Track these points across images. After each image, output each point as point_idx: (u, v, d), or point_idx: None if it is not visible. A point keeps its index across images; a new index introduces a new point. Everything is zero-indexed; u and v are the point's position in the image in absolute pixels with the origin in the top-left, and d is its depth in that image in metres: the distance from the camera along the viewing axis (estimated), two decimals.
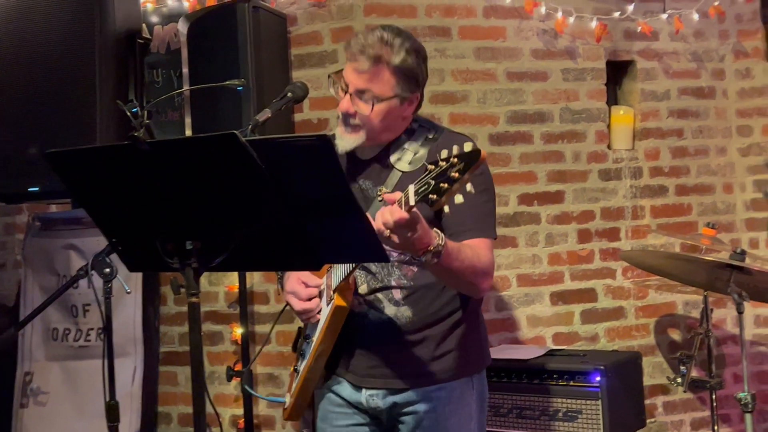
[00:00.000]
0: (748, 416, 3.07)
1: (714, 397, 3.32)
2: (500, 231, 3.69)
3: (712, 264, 3.15)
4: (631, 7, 3.82)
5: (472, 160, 1.89)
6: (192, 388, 1.94)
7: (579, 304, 3.80)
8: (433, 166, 1.92)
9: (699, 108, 4.02)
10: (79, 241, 3.75)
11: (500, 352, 3.44)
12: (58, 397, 3.79)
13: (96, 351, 3.59)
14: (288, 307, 2.57)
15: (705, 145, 4.03)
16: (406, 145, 2.42)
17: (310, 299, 2.46)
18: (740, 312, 3.09)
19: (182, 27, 3.30)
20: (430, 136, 2.42)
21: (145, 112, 2.52)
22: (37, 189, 3.20)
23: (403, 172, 2.36)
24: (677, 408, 3.89)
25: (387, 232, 1.99)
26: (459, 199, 1.93)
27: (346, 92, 2.37)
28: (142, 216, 1.93)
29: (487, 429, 3.17)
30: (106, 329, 2.78)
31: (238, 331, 3.59)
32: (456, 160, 1.89)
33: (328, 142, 1.79)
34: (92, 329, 3.75)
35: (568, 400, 3.10)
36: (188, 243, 1.86)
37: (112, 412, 2.79)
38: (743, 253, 3.12)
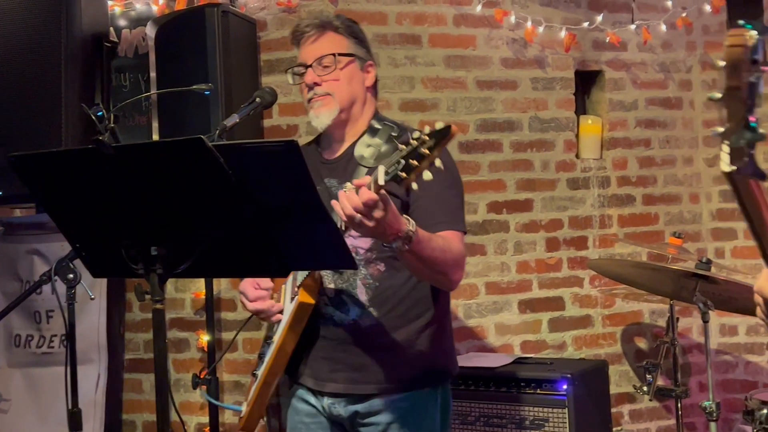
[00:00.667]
0: (713, 425, 3.09)
1: (679, 405, 3.35)
2: (469, 239, 3.70)
3: (679, 273, 3.18)
4: (599, 18, 3.85)
5: (442, 136, 1.89)
6: (157, 395, 1.91)
7: (547, 312, 3.81)
8: (404, 146, 1.92)
9: (666, 118, 4.06)
10: (43, 246, 3.70)
11: (468, 360, 3.44)
12: (20, 404, 3.73)
13: (59, 358, 3.53)
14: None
15: (672, 155, 4.07)
16: (369, 142, 2.40)
17: (259, 300, 2.42)
18: (705, 321, 3.11)
19: (150, 31, 3.27)
20: (394, 134, 2.40)
21: (111, 116, 2.49)
22: (0, 193, 3.15)
23: (368, 167, 2.34)
24: (643, 416, 3.91)
25: (358, 217, 1.95)
26: (427, 175, 1.91)
27: (306, 69, 2.40)
28: (106, 221, 1.90)
29: None
30: (70, 336, 2.74)
31: (205, 338, 3.55)
32: (427, 137, 1.90)
33: (295, 147, 1.77)
34: (56, 336, 3.70)
35: (536, 408, 3.11)
36: (153, 249, 1.84)
37: (75, 420, 2.74)
38: (709, 262, 3.15)
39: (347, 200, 1.96)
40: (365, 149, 2.37)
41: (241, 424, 2.57)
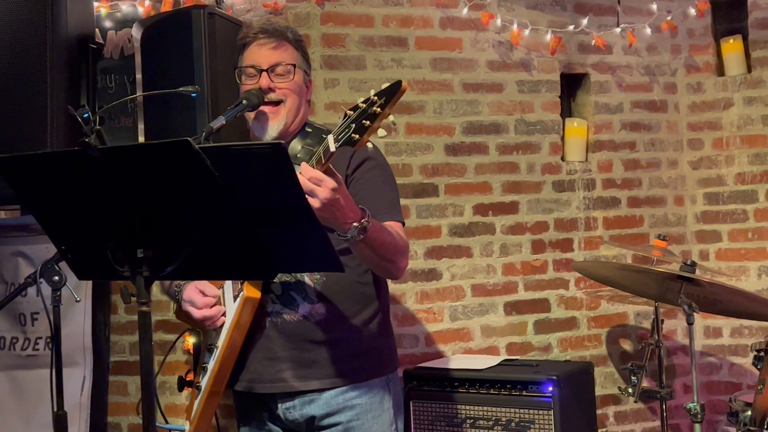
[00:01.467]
0: (697, 426, 3.11)
1: (664, 407, 3.36)
2: (455, 241, 3.72)
3: (663, 275, 3.20)
4: (585, 21, 3.87)
5: (392, 92, 1.93)
6: (142, 398, 1.91)
7: (532, 314, 3.82)
8: (352, 112, 1.95)
9: (651, 121, 4.08)
10: (28, 248, 3.68)
11: (454, 362, 3.45)
12: (4, 407, 3.70)
13: (44, 360, 3.51)
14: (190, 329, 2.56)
15: (657, 158, 4.09)
16: (302, 143, 2.46)
17: (207, 308, 2.43)
18: (690, 323, 3.13)
19: (136, 32, 3.26)
20: (324, 135, 2.47)
21: (97, 118, 2.49)
22: None
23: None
24: (628, 418, 3.93)
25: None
26: (381, 132, 1.95)
27: (260, 73, 2.44)
28: (92, 223, 1.90)
29: None
30: (55, 338, 2.72)
31: (191, 340, 3.53)
32: (376, 97, 1.93)
33: (282, 149, 1.77)
34: (41, 338, 3.68)
35: (521, 410, 3.12)
36: (139, 251, 1.83)
37: (60, 423, 2.72)
38: (693, 264, 3.17)
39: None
40: (299, 149, 2.42)
41: None
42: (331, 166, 2.03)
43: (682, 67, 4.13)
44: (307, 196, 1.96)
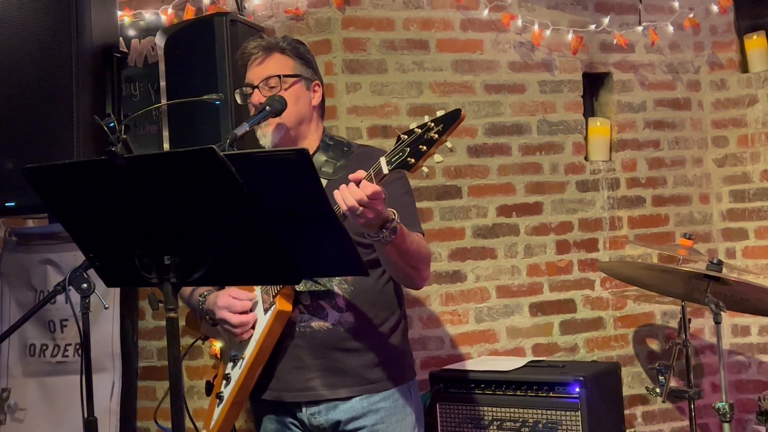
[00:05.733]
0: (726, 426, 3.08)
1: (693, 406, 3.34)
2: (479, 242, 3.72)
3: (690, 275, 3.18)
4: (606, 20, 3.85)
5: (452, 120, 1.95)
6: (171, 403, 1.93)
7: (558, 315, 3.81)
8: (406, 136, 1.96)
9: (675, 119, 4.06)
10: (56, 256, 3.72)
11: (480, 363, 3.45)
12: (35, 413, 3.75)
13: (74, 366, 3.55)
14: (201, 338, 2.58)
15: (681, 156, 4.06)
16: (325, 158, 2.50)
17: (244, 312, 2.45)
18: (717, 322, 3.11)
19: (159, 40, 3.29)
20: (346, 149, 2.53)
21: (123, 127, 2.51)
22: (13, 204, 3.16)
23: (329, 180, 2.41)
24: (656, 418, 3.91)
25: (360, 209, 2.01)
26: (438, 158, 1.98)
27: (253, 89, 2.48)
28: (119, 231, 1.92)
29: None
30: (84, 345, 2.75)
31: (217, 345, 3.56)
32: (433, 124, 1.95)
33: (306, 155, 1.79)
34: (70, 345, 3.72)
35: (548, 412, 3.11)
36: (166, 258, 1.85)
37: (91, 429, 2.75)
38: (720, 263, 3.15)
39: (350, 192, 2.02)
40: (322, 161, 2.47)
41: None
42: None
43: (705, 64, 4.11)
44: (362, 208, 2.01)
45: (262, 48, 2.51)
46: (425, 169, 2.00)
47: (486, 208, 3.73)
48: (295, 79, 2.51)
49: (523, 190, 3.79)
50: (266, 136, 2.46)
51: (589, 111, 4.02)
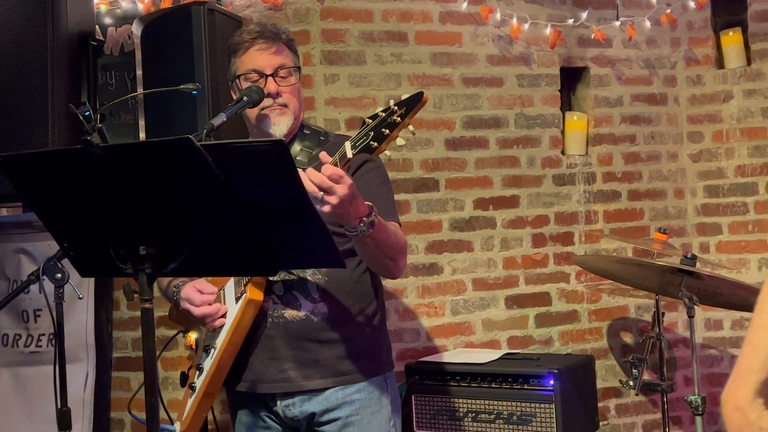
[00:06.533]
0: (698, 419, 3.12)
1: (665, 399, 3.37)
2: (456, 235, 3.73)
3: (664, 269, 3.20)
4: (584, 15, 3.87)
5: (414, 103, 1.97)
6: (145, 394, 1.92)
7: (533, 308, 3.83)
8: (371, 120, 1.98)
9: (651, 114, 4.08)
10: (30, 245, 3.69)
11: (456, 356, 3.46)
12: (8, 403, 3.72)
13: (47, 357, 3.52)
14: (182, 330, 2.57)
15: (657, 151, 4.09)
16: (300, 147, 2.50)
17: (205, 305, 2.44)
18: (691, 316, 3.14)
19: (136, 29, 3.26)
20: (322, 138, 2.53)
21: (98, 116, 2.49)
22: None
23: (304, 169, 2.39)
24: (629, 411, 3.94)
25: (320, 193, 2.01)
26: (400, 141, 2.00)
27: (264, 78, 2.45)
28: (94, 221, 1.91)
29: None
30: (58, 335, 2.73)
31: (192, 336, 3.54)
32: (396, 107, 1.98)
33: (283, 146, 1.78)
34: (43, 335, 3.69)
35: (523, 404, 3.13)
36: (141, 248, 1.84)
37: (64, 419, 2.74)
38: (694, 257, 3.18)
39: (310, 176, 2.02)
40: (297, 151, 2.47)
41: None
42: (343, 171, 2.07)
43: (681, 60, 4.13)
44: (324, 193, 2.00)
45: (272, 38, 2.49)
46: (388, 153, 2.04)
47: (463, 201, 3.74)
48: (298, 72, 2.52)
49: (500, 184, 3.80)
50: (278, 125, 2.45)
51: (567, 105, 4.04)
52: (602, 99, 4.01)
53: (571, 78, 4.04)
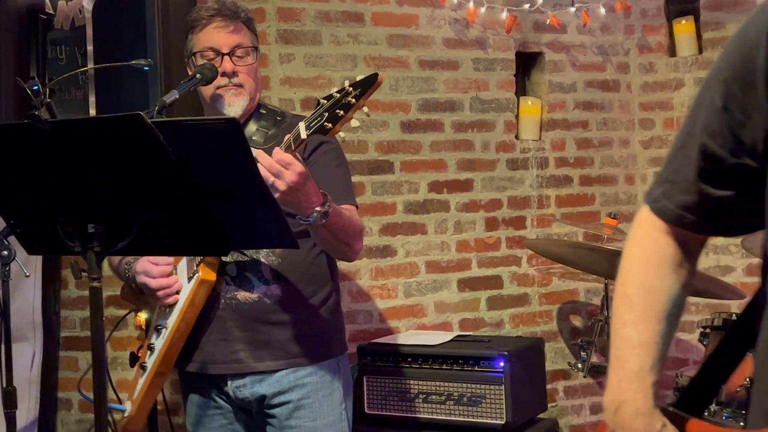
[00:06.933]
0: None
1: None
2: (410, 218, 3.74)
3: (613, 253, 3.25)
4: (540, 0, 3.89)
5: (369, 84, 1.96)
6: (93, 374, 1.90)
7: (485, 290, 3.86)
8: (325, 101, 1.97)
9: (604, 101, 4.13)
10: None
11: (408, 338, 3.48)
12: None
13: None
14: (135, 310, 2.55)
15: (609, 137, 4.14)
16: (256, 127, 2.47)
17: (163, 276, 2.40)
18: None
19: (87, 3, 3.20)
20: (279, 118, 2.50)
21: (47, 90, 2.44)
22: None
23: (259, 148, 2.37)
24: (577, 392, 4.00)
25: (271, 179, 2.00)
26: (355, 123, 2.00)
27: (220, 56, 2.41)
28: (42, 197, 1.87)
29: (394, 414, 3.23)
30: (4, 313, 2.69)
31: (142, 316, 3.51)
32: (351, 88, 1.96)
33: (236, 124, 1.77)
34: None
35: (473, 385, 3.16)
36: (90, 226, 1.81)
37: (10, 399, 2.70)
38: None
39: (260, 159, 2.00)
40: (254, 131, 2.44)
41: (125, 425, 2.49)
42: (297, 154, 2.05)
43: (635, 47, 4.18)
44: (273, 178, 1.98)
45: (230, 16, 2.45)
46: (342, 134, 2.03)
47: (417, 183, 3.75)
48: (256, 52, 2.49)
49: (454, 167, 3.82)
50: (233, 105, 2.41)
51: (521, 90, 4.06)
52: (556, 84, 4.04)
53: (526, 63, 4.06)
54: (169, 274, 2.41)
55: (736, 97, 1.17)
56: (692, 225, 1.30)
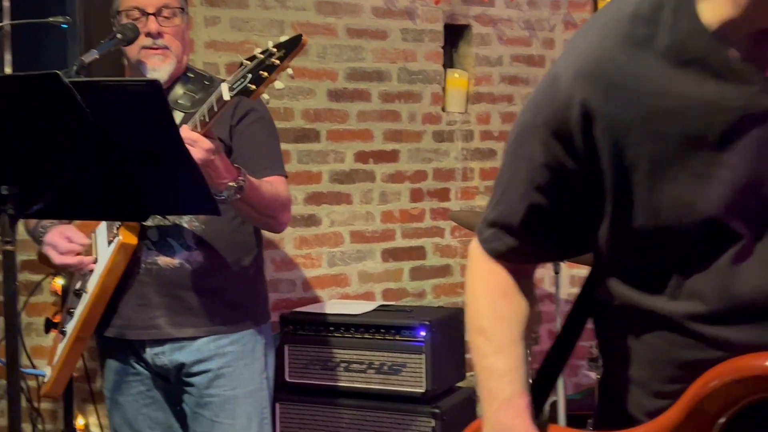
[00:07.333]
0: None
1: (529, 352, 3.48)
2: (335, 188, 3.73)
3: None
4: None
5: (293, 46, 1.96)
6: (6, 339, 1.85)
7: (409, 261, 3.89)
8: (249, 62, 1.95)
9: (529, 75, 4.17)
10: None
11: (330, 307, 3.49)
12: None
13: None
14: (53, 273, 2.50)
15: None
16: (183, 90, 2.43)
17: (70, 254, 2.36)
18: (557, 272, 3.26)
19: None
20: (207, 83, 2.46)
21: None
22: None
23: (185, 113, 2.35)
24: None
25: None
26: (279, 85, 1.97)
27: (145, 16, 2.35)
28: None
29: (315, 383, 3.24)
30: None
31: (59, 281, 3.44)
32: (275, 49, 1.95)
33: (159, 87, 1.74)
34: None
35: (394, 354, 3.18)
36: (3, 188, 1.76)
37: None
38: None
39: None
40: (180, 94, 2.39)
41: (45, 390, 2.47)
42: (211, 129, 2.04)
43: (560, 23, 4.23)
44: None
45: None
46: (266, 96, 2.01)
47: (344, 153, 3.74)
48: (183, 13, 2.43)
49: (381, 138, 3.82)
50: (158, 70, 2.35)
51: (449, 62, 4.08)
52: (483, 58, 4.06)
53: (454, 35, 4.07)
54: (88, 250, 2.36)
55: (555, 153, 1.21)
56: (524, 260, 1.38)
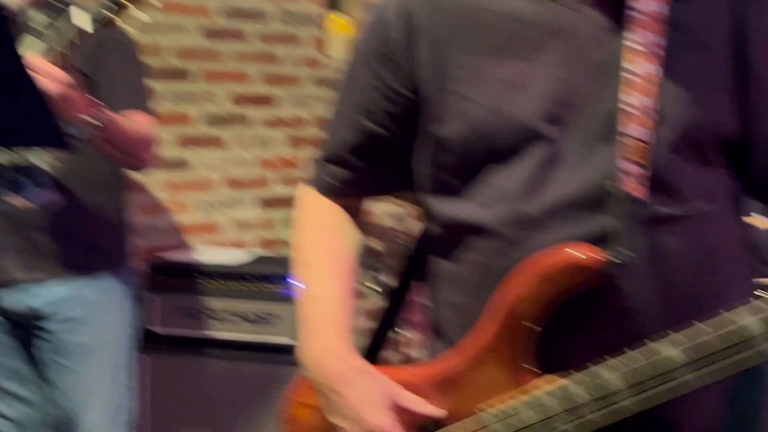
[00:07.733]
0: None
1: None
2: (209, 131, 3.59)
3: None
4: None
5: None
6: None
7: (284, 209, 3.80)
8: None
9: None
10: None
11: (201, 254, 3.38)
12: None
13: None
14: None
15: None
16: (45, 16, 2.26)
17: None
18: None
19: None
20: (66, 8, 2.30)
21: None
22: None
23: (41, 40, 2.20)
24: (373, 314, 4.05)
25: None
26: (145, 18, 1.88)
27: None
28: None
29: (185, 334, 3.14)
30: None
31: None
32: None
33: None
34: None
35: (268, 303, 3.11)
36: None
37: None
38: None
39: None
40: (42, 23, 2.24)
41: None
42: (68, 59, 1.93)
43: None
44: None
45: None
46: (131, 29, 1.97)
47: (218, 95, 3.60)
48: None
49: (258, 80, 3.69)
50: None
51: (332, 6, 3.97)
52: (368, 4, 3.97)
53: None
54: None
55: (381, 76, 1.28)
56: (354, 193, 1.42)
